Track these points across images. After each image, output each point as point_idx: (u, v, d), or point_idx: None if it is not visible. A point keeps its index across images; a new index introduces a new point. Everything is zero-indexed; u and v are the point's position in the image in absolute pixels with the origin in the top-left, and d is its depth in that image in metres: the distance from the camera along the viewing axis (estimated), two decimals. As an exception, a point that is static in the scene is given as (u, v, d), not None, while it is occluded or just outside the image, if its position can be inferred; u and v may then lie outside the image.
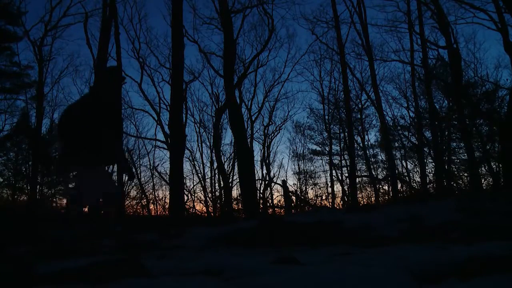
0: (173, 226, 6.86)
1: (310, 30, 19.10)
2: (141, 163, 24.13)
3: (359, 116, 22.01)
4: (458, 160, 18.47)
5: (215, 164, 20.94)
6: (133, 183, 19.40)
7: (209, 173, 23.10)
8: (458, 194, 8.94)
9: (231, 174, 20.62)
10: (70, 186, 3.55)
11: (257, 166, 22.37)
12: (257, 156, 23.96)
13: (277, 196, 19.69)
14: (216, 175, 21.98)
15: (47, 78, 19.90)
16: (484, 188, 13.17)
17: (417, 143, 18.41)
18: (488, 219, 3.50)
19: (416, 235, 3.11)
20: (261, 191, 18.89)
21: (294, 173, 26.13)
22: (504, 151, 8.65)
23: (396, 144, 21.91)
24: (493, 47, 39.73)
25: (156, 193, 21.96)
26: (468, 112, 14.21)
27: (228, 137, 36.46)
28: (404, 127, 21.39)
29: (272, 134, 24.22)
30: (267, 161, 23.77)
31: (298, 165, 25.95)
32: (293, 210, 11.38)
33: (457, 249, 2.07)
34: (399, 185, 16.11)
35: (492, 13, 12.56)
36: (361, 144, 22.18)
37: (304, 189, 23.40)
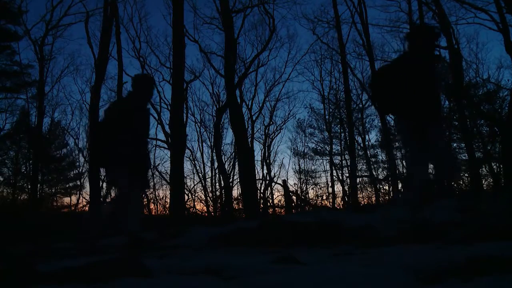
0: (174, 226, 6.87)
1: (311, 30, 19.10)
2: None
3: (359, 116, 22.02)
4: (458, 160, 18.46)
5: (216, 164, 20.98)
6: None
7: (209, 173, 23.16)
8: (458, 194, 8.93)
9: (232, 173, 20.64)
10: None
11: (258, 166, 22.42)
12: (258, 156, 24.02)
13: (278, 196, 19.72)
14: (217, 175, 22.01)
15: (48, 77, 19.93)
16: (485, 188, 13.16)
17: (417, 143, 18.33)
18: (488, 219, 3.50)
19: (416, 235, 3.11)
20: (262, 191, 18.90)
21: (295, 173, 26.17)
22: (505, 151, 8.65)
23: (397, 144, 21.91)
24: (496, 47, 39.71)
25: (156, 193, 21.99)
26: (469, 112, 14.19)
27: (229, 136, 36.47)
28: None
29: (273, 134, 24.27)
30: (268, 160, 23.82)
31: (299, 164, 26.00)
32: (293, 210, 11.37)
33: (457, 249, 2.06)
34: (400, 185, 16.10)
35: (494, 13, 12.55)
36: (361, 144, 22.20)
37: (304, 189, 23.43)
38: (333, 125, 23.16)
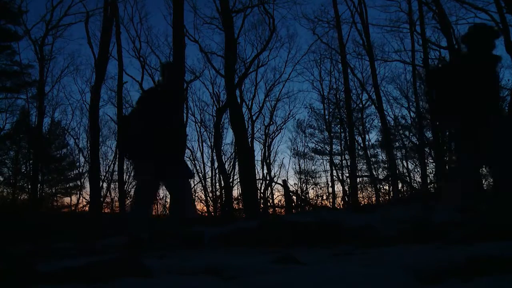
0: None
1: (311, 30, 19.15)
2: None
3: (360, 116, 22.03)
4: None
5: (216, 164, 20.99)
6: None
7: (209, 173, 23.18)
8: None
9: (232, 173, 20.63)
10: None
11: (258, 166, 22.42)
12: (258, 156, 24.02)
13: (278, 196, 19.70)
14: (217, 175, 22.03)
15: (48, 77, 19.94)
16: (485, 188, 13.13)
17: (418, 143, 18.38)
18: (488, 219, 3.50)
19: (416, 235, 3.11)
20: (262, 191, 18.89)
21: (295, 173, 26.20)
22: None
23: (397, 144, 21.93)
24: (496, 47, 39.53)
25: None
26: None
27: (229, 136, 36.50)
28: (405, 127, 21.41)
29: (273, 134, 24.28)
30: (268, 160, 23.83)
31: (299, 164, 26.01)
32: (293, 210, 11.36)
33: (457, 249, 2.06)
34: (400, 185, 16.09)
35: (494, 13, 12.53)
36: (361, 144, 22.20)
37: (305, 189, 23.43)
38: (333, 125, 23.19)
